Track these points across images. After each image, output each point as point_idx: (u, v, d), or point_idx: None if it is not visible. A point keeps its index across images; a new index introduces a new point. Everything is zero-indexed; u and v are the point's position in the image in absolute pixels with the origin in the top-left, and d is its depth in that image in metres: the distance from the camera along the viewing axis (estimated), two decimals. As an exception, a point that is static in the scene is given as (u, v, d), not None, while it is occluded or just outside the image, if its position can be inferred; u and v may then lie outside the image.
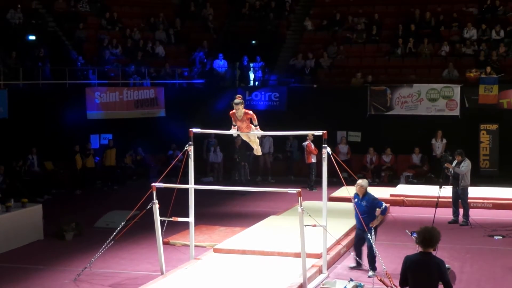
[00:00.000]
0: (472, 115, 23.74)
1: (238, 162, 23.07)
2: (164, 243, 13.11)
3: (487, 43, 25.87)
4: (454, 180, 16.97)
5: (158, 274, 12.44)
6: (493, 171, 23.32)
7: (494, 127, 23.40)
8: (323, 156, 12.26)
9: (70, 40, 26.91)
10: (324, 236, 12.36)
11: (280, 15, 29.64)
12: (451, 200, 17.19)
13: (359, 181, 12.79)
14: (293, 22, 29.54)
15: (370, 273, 12.48)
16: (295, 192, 11.30)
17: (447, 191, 17.07)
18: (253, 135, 12.30)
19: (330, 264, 13.05)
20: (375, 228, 12.68)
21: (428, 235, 7.86)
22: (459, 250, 14.50)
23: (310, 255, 12.37)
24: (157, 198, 12.28)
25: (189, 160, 12.93)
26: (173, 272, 12.35)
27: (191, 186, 12.99)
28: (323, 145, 12.27)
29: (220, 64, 27.41)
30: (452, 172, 16.91)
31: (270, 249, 13.51)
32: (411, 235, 12.89)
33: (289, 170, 25.13)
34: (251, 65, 27.18)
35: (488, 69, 24.00)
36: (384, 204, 12.66)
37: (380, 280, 11.14)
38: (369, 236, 12.36)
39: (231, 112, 12.01)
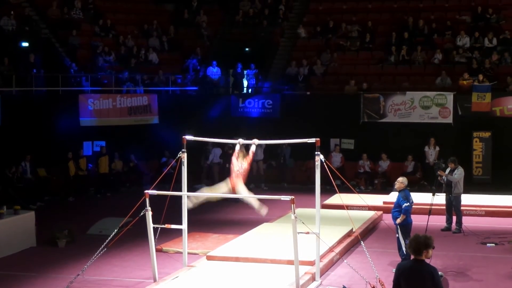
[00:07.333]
0: (465, 122, 23.79)
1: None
2: (157, 250, 13.07)
3: (480, 51, 25.93)
4: (447, 188, 16.99)
5: (151, 282, 12.41)
6: (486, 178, 23.32)
7: (487, 134, 23.43)
8: (316, 163, 12.28)
9: (63, 47, 26.84)
10: (317, 244, 12.36)
11: (273, 23, 29.65)
12: (444, 207, 17.22)
13: (399, 178, 13.63)
14: (287, 29, 29.54)
15: None
16: (288, 199, 11.30)
17: (440, 199, 17.11)
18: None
19: (323, 271, 13.04)
20: (401, 226, 13.21)
21: (415, 243, 7.85)
22: (452, 257, 14.52)
23: (303, 263, 12.36)
24: (150, 205, 12.27)
25: (182, 167, 12.92)
26: (166, 280, 12.32)
27: (184, 193, 12.99)
28: (316, 153, 12.29)
29: (214, 71, 27.42)
30: (445, 179, 16.92)
31: (263, 257, 13.49)
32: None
33: (282, 177, 25.11)
34: (245, 72, 27.17)
35: (481, 76, 24.05)
36: (405, 204, 13.18)
37: (373, 288, 11.15)
38: (397, 234, 13.19)
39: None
